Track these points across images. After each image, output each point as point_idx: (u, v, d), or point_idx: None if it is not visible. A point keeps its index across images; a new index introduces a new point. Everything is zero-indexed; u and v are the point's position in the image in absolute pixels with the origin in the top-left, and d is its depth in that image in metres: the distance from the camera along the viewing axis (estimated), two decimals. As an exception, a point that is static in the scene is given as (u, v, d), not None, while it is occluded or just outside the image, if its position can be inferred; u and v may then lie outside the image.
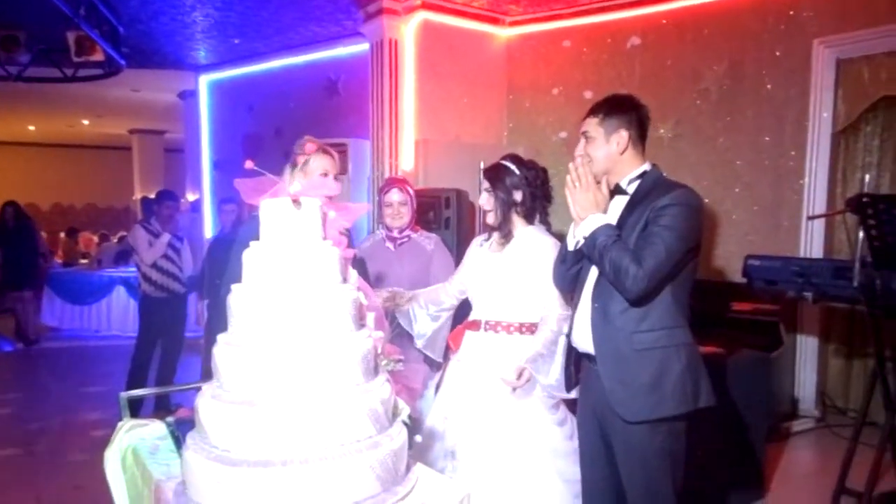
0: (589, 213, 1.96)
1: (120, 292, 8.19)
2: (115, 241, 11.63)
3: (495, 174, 2.53)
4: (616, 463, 2.06)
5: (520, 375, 2.33)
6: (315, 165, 2.23)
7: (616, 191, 2.06)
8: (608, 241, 1.89)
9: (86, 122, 12.73)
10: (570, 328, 2.18)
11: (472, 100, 5.47)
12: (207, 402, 1.49)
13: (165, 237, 4.70)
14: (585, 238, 1.96)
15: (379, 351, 1.67)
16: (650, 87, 4.97)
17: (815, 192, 4.41)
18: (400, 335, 2.64)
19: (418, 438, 1.67)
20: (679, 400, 1.93)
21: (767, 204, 4.61)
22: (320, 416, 1.43)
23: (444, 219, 4.25)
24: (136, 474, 1.84)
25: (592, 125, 2.05)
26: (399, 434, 1.57)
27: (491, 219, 2.53)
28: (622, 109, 2.05)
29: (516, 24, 5.54)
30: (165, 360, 4.77)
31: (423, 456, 2.04)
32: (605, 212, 1.98)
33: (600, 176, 2.04)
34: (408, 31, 5.18)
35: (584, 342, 2.08)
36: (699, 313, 4.26)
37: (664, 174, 2.07)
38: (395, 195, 2.96)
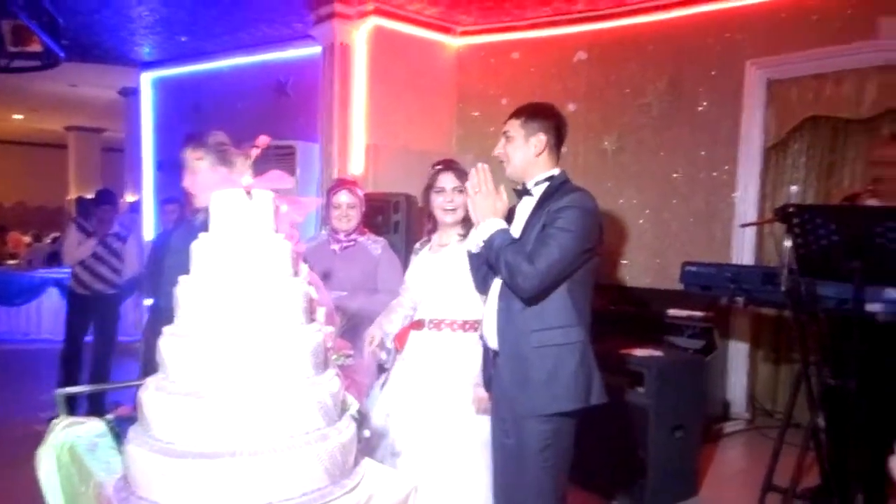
0: (488, 217, 2.06)
1: (52, 294, 7.83)
2: (49, 241, 11.15)
3: (460, 170, 2.56)
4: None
5: (483, 399, 2.36)
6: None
7: (524, 192, 2.17)
8: (503, 244, 2.00)
9: (18, 116, 12.16)
10: (483, 327, 2.27)
11: (422, 106, 5.52)
12: (152, 395, 1.47)
13: (91, 243, 4.61)
14: (483, 241, 2.06)
15: (329, 345, 1.69)
16: (595, 101, 5.14)
17: (747, 204, 4.64)
18: (350, 330, 2.63)
19: (366, 433, 1.68)
20: (572, 396, 2.02)
21: (703, 215, 4.82)
22: (269, 407, 1.43)
23: (394, 223, 4.27)
24: (72, 472, 1.78)
25: (514, 126, 2.15)
26: (347, 428, 1.59)
27: (450, 218, 2.53)
28: (544, 115, 2.16)
29: (467, 33, 5.63)
30: (97, 362, 4.64)
31: (366, 454, 2.05)
32: (504, 217, 2.09)
33: (515, 177, 2.15)
34: (359, 36, 5.19)
35: (492, 340, 2.18)
36: (638, 319, 4.45)
37: (569, 180, 2.16)
38: (343, 197, 2.94)
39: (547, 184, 2.13)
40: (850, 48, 4.16)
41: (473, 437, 2.41)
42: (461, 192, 2.51)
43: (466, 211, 2.51)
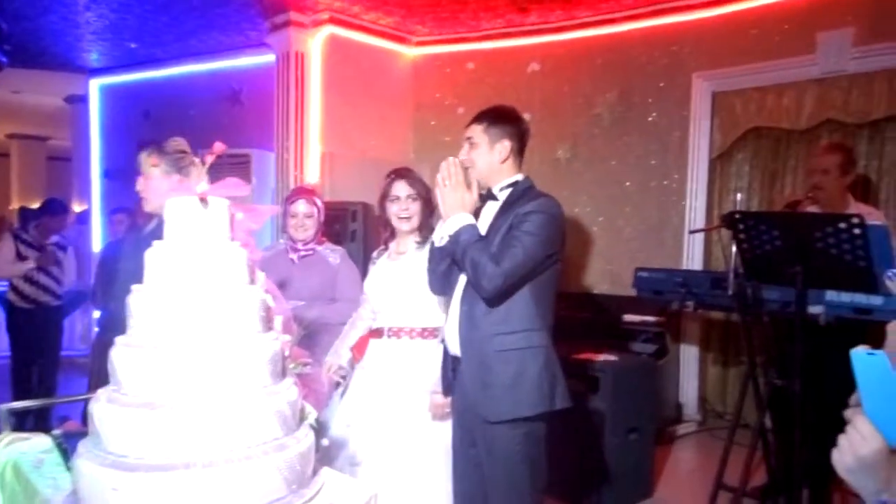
0: (456, 211, 2.03)
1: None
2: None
3: (412, 176, 2.57)
4: (482, 464, 2.11)
5: (440, 405, 2.36)
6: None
7: (489, 196, 2.16)
8: (470, 240, 1.98)
9: (-45, 124, 11.67)
10: (444, 332, 2.25)
11: (378, 115, 5.53)
12: (103, 406, 1.43)
13: (29, 264, 4.46)
14: (450, 236, 2.03)
15: (286, 354, 1.67)
16: (549, 111, 5.23)
17: (696, 212, 4.79)
18: (307, 338, 2.61)
19: (325, 442, 1.67)
20: (536, 401, 2.01)
21: (654, 222, 4.95)
22: (226, 417, 1.41)
23: (351, 231, 4.26)
24: (16, 490, 1.71)
25: (478, 132, 2.14)
26: (306, 437, 1.57)
27: (406, 225, 2.54)
28: (507, 121, 2.15)
29: (422, 44, 5.67)
30: (43, 376, 4.47)
31: (326, 464, 2.04)
32: (472, 213, 2.06)
33: (480, 182, 2.12)
34: (314, 45, 5.18)
35: (454, 345, 2.15)
36: (593, 324, 4.52)
37: (534, 185, 2.17)
38: (301, 206, 2.91)
39: (511, 189, 2.13)
40: (789, 62, 4.35)
41: (434, 444, 2.41)
42: (415, 199, 2.52)
43: (422, 218, 2.53)
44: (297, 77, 5.06)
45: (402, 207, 2.52)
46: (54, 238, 4.71)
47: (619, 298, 4.76)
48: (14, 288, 4.49)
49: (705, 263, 4.82)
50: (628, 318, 4.50)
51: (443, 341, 2.27)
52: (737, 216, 2.70)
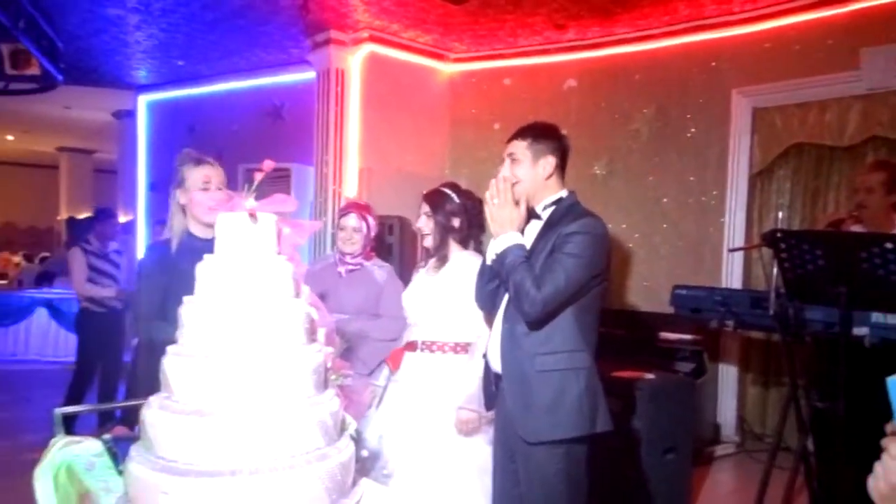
0: (504, 230, 2.00)
1: (41, 314, 7.79)
2: (37, 262, 11.08)
3: (436, 199, 2.61)
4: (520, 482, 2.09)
5: (466, 421, 2.37)
6: (194, 178, 2.26)
7: (531, 215, 2.11)
8: (516, 262, 1.95)
9: (10, 137, 12.17)
10: (487, 348, 2.23)
11: (415, 131, 5.60)
12: (155, 413, 1.49)
13: (109, 293, 4.64)
14: (497, 255, 2.01)
15: (328, 365, 1.71)
16: (585, 127, 5.23)
17: (735, 229, 4.73)
18: (347, 350, 2.65)
19: (364, 453, 1.70)
20: (576, 422, 1.97)
21: (692, 239, 4.89)
22: (271, 426, 1.45)
23: (388, 245, 4.31)
24: (70, 492, 1.78)
25: (521, 148, 2.10)
26: (347, 447, 1.61)
27: (428, 242, 2.61)
28: (550, 136, 2.12)
29: (460, 60, 5.74)
30: (105, 383, 4.61)
31: (362, 475, 2.07)
32: (520, 231, 2.03)
33: (523, 199, 2.07)
34: (354, 62, 5.29)
35: (496, 362, 2.12)
36: (629, 342, 4.48)
37: (579, 202, 2.13)
38: (350, 220, 2.93)
39: (555, 207, 2.10)
40: (833, 78, 4.29)
41: (464, 459, 2.42)
42: (429, 217, 2.58)
43: (438, 237, 2.58)
44: (337, 93, 5.17)
45: (422, 223, 2.61)
46: (113, 245, 4.90)
47: (655, 316, 4.71)
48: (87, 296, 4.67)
49: (745, 282, 4.74)
50: (665, 335, 4.45)
51: (485, 356, 2.27)
52: (778, 234, 2.66)
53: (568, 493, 2.00)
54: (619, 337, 4.69)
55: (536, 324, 1.97)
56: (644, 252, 5.08)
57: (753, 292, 3.28)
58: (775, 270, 2.75)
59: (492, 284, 2.17)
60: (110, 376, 4.68)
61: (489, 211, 2.03)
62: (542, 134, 2.12)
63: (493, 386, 2.22)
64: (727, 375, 4.83)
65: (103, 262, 4.74)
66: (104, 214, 4.98)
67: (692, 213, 4.90)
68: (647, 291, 5.02)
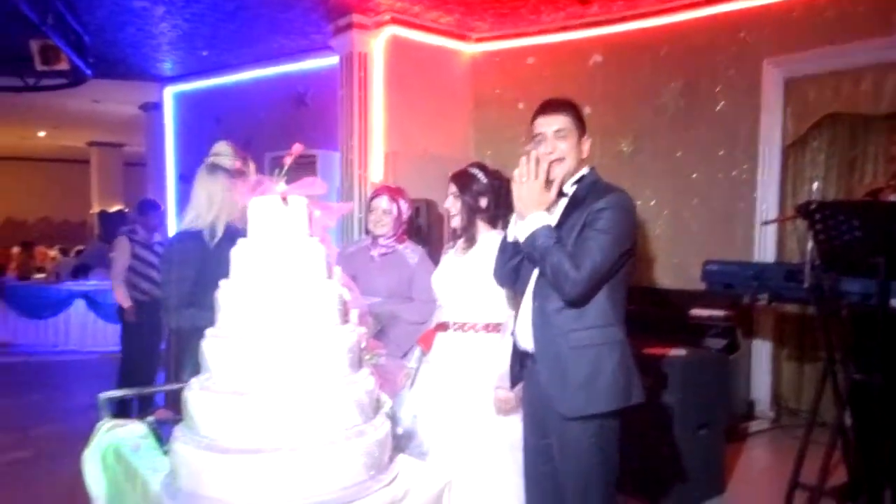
0: (532, 209, 1.97)
1: (79, 306, 7.99)
2: (73, 255, 11.35)
3: (463, 180, 2.61)
4: (554, 458, 2.10)
5: (504, 400, 2.38)
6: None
7: (558, 193, 2.08)
8: (549, 243, 1.92)
9: (42, 133, 12.43)
10: (514, 326, 2.21)
11: (439, 113, 5.59)
12: (197, 394, 1.53)
13: (126, 300, 4.72)
14: (526, 237, 1.98)
15: (362, 345, 1.74)
16: (611, 104, 5.17)
17: (767, 203, 4.64)
18: (380, 332, 2.68)
19: (400, 430, 1.73)
20: (612, 396, 1.98)
21: (723, 214, 4.82)
22: (309, 405, 1.48)
23: (415, 228, 4.32)
24: (118, 472, 1.84)
25: (568, 124, 2.05)
26: (383, 425, 1.64)
27: (456, 222, 2.61)
28: (581, 114, 2.11)
29: (482, 40, 5.69)
30: (145, 370, 4.69)
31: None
32: (548, 211, 2.00)
33: (559, 179, 2.05)
34: (377, 46, 5.28)
35: (526, 340, 2.12)
36: (659, 319, 4.45)
37: (600, 177, 2.11)
38: (381, 202, 2.94)
39: (578, 183, 2.08)
40: (867, 44, 4.16)
41: (499, 437, 2.44)
42: (457, 197, 2.56)
43: (464, 218, 2.57)
44: (360, 78, 5.17)
45: (449, 203, 2.60)
46: (157, 237, 4.99)
47: (685, 293, 4.66)
48: (133, 285, 4.76)
49: (778, 256, 4.66)
50: (696, 312, 4.40)
51: (513, 334, 2.27)
52: (813, 206, 2.61)
53: (601, 466, 2.02)
54: (650, 315, 4.65)
55: (578, 302, 1.96)
56: (673, 229, 5.02)
57: (787, 265, 3.22)
58: (810, 243, 2.70)
59: (513, 261, 2.16)
60: (150, 363, 4.78)
61: (517, 190, 2.00)
62: (580, 114, 2.09)
63: (518, 364, 2.22)
64: (761, 351, 4.77)
65: (148, 252, 4.82)
66: (149, 206, 5.06)
67: (722, 188, 4.82)
68: (676, 268, 4.97)
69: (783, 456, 3.94)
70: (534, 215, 1.97)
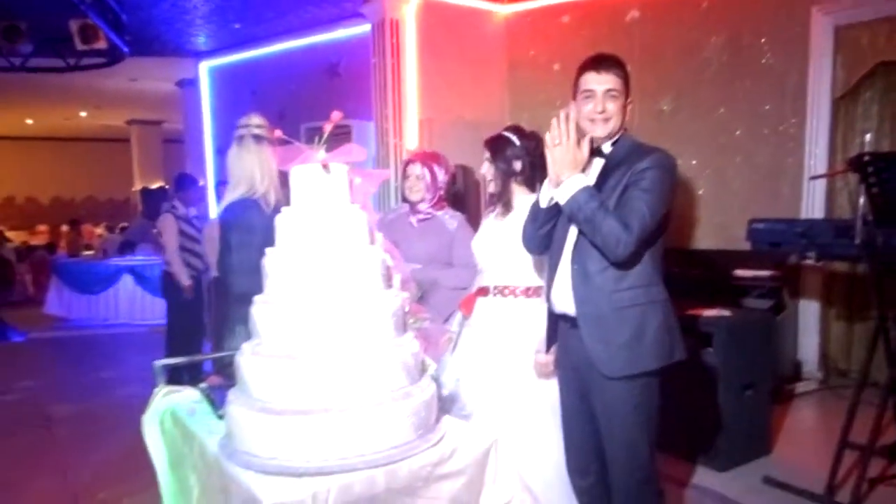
0: (568, 172, 1.93)
1: (127, 281, 8.26)
2: (118, 231, 11.70)
3: (496, 145, 2.59)
4: (594, 419, 2.11)
5: (545, 363, 2.39)
6: None
7: (595, 153, 2.05)
8: (594, 205, 1.89)
9: (84, 113, 12.73)
10: (549, 290, 2.19)
11: (473, 77, 5.51)
12: (248, 359, 1.57)
13: (185, 277, 4.75)
14: (567, 200, 1.94)
15: (406, 310, 1.76)
16: (650, 61, 5.01)
17: (816, 158, 4.47)
18: (421, 298, 2.70)
19: (445, 392, 1.76)
20: (657, 355, 1.99)
21: (768, 172, 4.67)
22: (356, 367, 1.51)
23: (452, 194, 4.31)
24: (175, 435, 1.92)
25: (619, 85, 2.01)
26: (428, 386, 1.66)
27: (491, 187, 2.60)
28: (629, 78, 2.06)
29: (515, 0, 5.57)
30: (191, 341, 4.75)
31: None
32: (584, 172, 1.96)
33: (587, 140, 2.00)
34: (408, 11, 5.21)
35: (564, 304, 2.09)
36: (702, 280, 4.38)
37: (635, 138, 2.08)
38: (414, 169, 2.94)
39: (615, 144, 2.05)
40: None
41: (539, 401, 2.45)
42: (491, 163, 2.55)
43: (499, 184, 2.55)
44: (393, 45, 5.12)
45: (485, 169, 2.59)
46: (193, 211, 5.07)
47: (728, 253, 4.56)
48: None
49: (827, 213, 4.51)
50: (739, 273, 4.31)
51: (549, 299, 2.26)
52: (866, 158, 2.51)
53: (644, 424, 2.03)
54: (691, 276, 4.58)
55: (626, 263, 1.95)
56: (716, 188, 4.89)
57: (837, 221, 3.13)
58: (862, 197, 2.61)
59: (546, 227, 2.13)
60: (195, 335, 4.87)
61: (550, 154, 1.96)
62: (628, 73, 2.04)
63: (554, 328, 2.22)
64: (808, 311, 4.66)
65: (189, 226, 4.92)
66: (188, 180, 5.13)
67: (768, 144, 4.66)
68: (719, 228, 4.86)
69: (831, 417, 3.87)
70: (571, 178, 1.93)
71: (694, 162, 4.96)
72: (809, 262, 3.12)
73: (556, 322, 2.21)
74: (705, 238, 4.95)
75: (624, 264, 1.95)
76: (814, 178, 4.36)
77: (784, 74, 4.56)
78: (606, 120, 2.00)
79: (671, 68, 4.98)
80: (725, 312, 3.41)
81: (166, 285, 4.92)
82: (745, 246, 3.41)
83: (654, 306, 1.99)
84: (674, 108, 5.02)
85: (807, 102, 4.48)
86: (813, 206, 4.50)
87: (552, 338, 2.26)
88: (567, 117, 1.93)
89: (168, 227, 4.84)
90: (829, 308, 4.73)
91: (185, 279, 4.75)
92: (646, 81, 5.03)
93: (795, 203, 4.55)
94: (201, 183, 7.77)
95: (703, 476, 3.20)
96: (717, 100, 4.84)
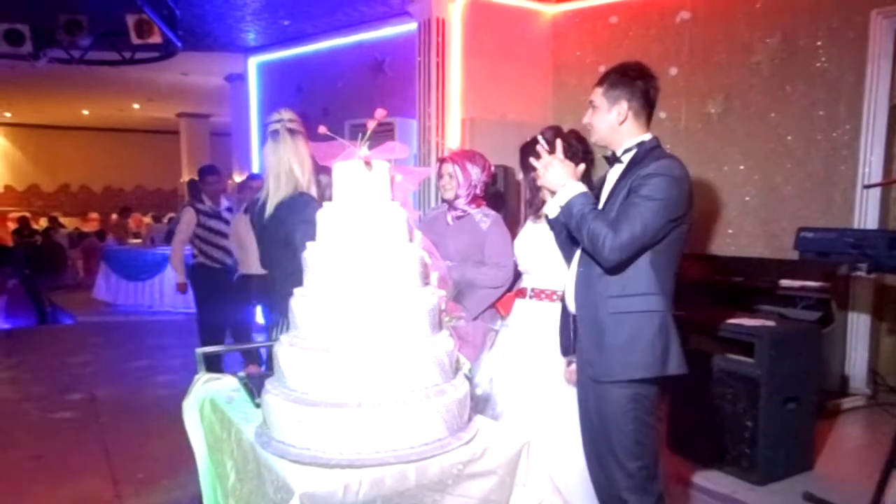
0: (562, 182, 2.02)
1: (171, 270, 8.48)
2: (165, 221, 12.03)
3: (527, 150, 2.59)
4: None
5: (572, 371, 2.38)
6: None
7: (613, 160, 2.12)
8: (584, 210, 1.96)
9: (136, 106, 13.13)
10: (564, 292, 2.27)
11: (517, 78, 5.48)
12: (286, 350, 1.60)
13: (181, 274, 4.91)
14: (562, 207, 2.02)
15: (442, 307, 1.76)
16: (699, 63, 4.91)
17: (871, 166, 4.30)
18: (454, 296, 2.71)
19: (479, 391, 1.75)
20: (647, 364, 2.00)
21: (820, 179, 4.52)
22: (392, 362, 1.52)
23: (491, 194, 4.31)
24: (213, 421, 1.96)
25: (598, 95, 2.10)
26: (462, 384, 1.66)
27: (527, 193, 2.62)
28: (626, 80, 2.07)
29: (563, 0, 5.52)
30: (213, 334, 4.70)
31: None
32: (578, 179, 2.04)
33: (602, 144, 2.14)
34: (455, 10, 5.21)
35: (572, 305, 2.17)
36: (747, 289, 4.26)
37: (660, 146, 2.10)
38: (446, 167, 2.99)
39: (635, 150, 2.08)
40: None
41: (573, 407, 2.44)
42: (522, 168, 2.61)
43: (531, 191, 2.55)
44: (438, 43, 5.12)
45: (519, 178, 2.61)
46: (225, 203, 5.04)
47: (775, 262, 4.44)
48: (203, 252, 4.82)
49: (881, 223, 4.34)
50: (786, 283, 4.19)
51: (563, 300, 2.29)
52: (925, 168, 2.41)
53: (635, 433, 2.04)
54: (735, 285, 4.47)
55: (613, 269, 1.99)
56: (764, 194, 4.76)
57: (892, 232, 3.01)
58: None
59: (561, 236, 2.21)
60: (224, 329, 4.81)
61: (542, 177, 2.07)
62: (618, 79, 2.08)
63: (570, 330, 2.26)
64: (857, 325, 4.49)
65: (215, 220, 4.86)
66: (205, 172, 5.03)
67: (821, 150, 4.52)
68: (767, 236, 4.73)
69: (879, 434, 3.74)
70: (567, 186, 2.02)
71: (741, 167, 4.83)
72: (860, 273, 3.01)
73: (573, 323, 2.25)
74: (751, 246, 4.82)
75: (616, 269, 1.99)
76: (868, 186, 4.20)
77: (839, 79, 4.41)
78: (589, 131, 2.15)
79: (721, 70, 4.86)
80: (769, 322, 3.32)
81: (191, 276, 4.96)
82: (794, 255, 3.32)
83: (649, 316, 2.00)
84: (722, 111, 4.89)
85: (862, 108, 4.32)
86: (866, 215, 4.33)
87: (567, 339, 2.30)
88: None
89: (185, 220, 4.85)
90: (880, 322, 4.56)
91: (180, 275, 4.87)
92: (694, 83, 4.93)
93: (848, 212, 4.40)
94: (243, 177, 7.91)
95: (739, 489, 3.13)
96: (768, 103, 4.71)
